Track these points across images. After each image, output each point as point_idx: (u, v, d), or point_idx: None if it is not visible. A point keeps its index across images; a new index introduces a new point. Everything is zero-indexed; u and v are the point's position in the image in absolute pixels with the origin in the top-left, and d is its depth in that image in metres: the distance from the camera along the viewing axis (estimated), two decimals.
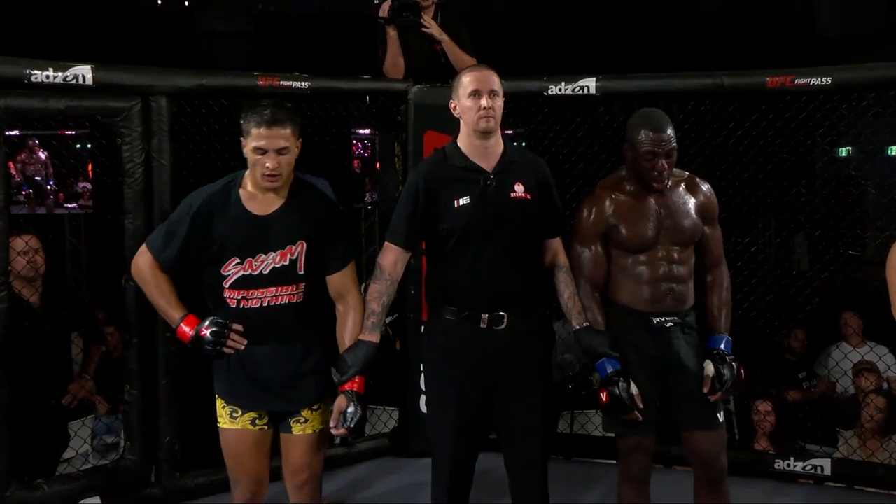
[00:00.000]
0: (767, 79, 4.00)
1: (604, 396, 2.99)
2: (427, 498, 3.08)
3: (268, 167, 2.73)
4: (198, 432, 3.77)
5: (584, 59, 6.60)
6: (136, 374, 3.76)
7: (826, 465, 4.13)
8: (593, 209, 3.10)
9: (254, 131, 2.73)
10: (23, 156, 8.18)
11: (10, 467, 3.51)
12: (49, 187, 8.07)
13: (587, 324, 3.03)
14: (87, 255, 7.17)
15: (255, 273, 2.80)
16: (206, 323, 2.80)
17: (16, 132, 6.20)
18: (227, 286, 2.81)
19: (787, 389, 5.73)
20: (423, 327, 3.31)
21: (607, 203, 3.08)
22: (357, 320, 2.91)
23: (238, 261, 2.80)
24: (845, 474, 4.16)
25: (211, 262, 2.84)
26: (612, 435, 4.92)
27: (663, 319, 3.05)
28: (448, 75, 4.41)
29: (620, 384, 2.96)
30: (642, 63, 5.32)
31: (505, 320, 2.90)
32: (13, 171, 8.11)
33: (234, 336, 2.80)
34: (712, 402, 3.07)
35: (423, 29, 4.41)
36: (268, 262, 2.80)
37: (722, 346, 3.10)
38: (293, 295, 2.83)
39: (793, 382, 5.78)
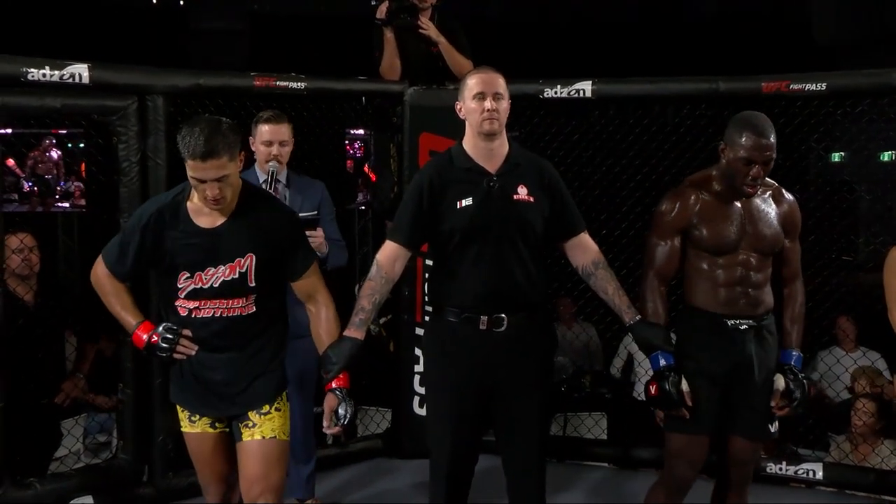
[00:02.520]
0: (763, 84, 4.04)
1: (653, 389, 2.96)
2: (420, 499, 3.08)
3: (208, 196, 2.64)
4: None
5: (581, 61, 6.60)
6: (129, 372, 3.76)
7: (818, 469, 4.16)
8: (677, 204, 3.02)
9: (188, 161, 2.59)
10: (35, 154, 8.20)
11: (3, 466, 3.51)
12: (59, 188, 8.09)
13: (639, 317, 2.98)
14: (80, 254, 7.15)
15: (206, 286, 2.74)
16: (159, 329, 2.78)
17: (9, 130, 6.20)
18: (182, 297, 2.76)
19: None
20: (425, 327, 3.28)
21: (692, 200, 3.01)
22: (331, 316, 2.86)
23: (188, 275, 2.74)
24: (837, 479, 4.18)
25: (163, 273, 2.80)
26: (605, 437, 4.92)
27: (738, 322, 2.97)
28: (444, 77, 4.42)
29: (671, 379, 2.92)
30: (639, 65, 5.32)
31: (505, 322, 2.89)
32: (17, 170, 8.16)
33: (184, 342, 2.77)
34: (772, 414, 3.03)
35: (421, 31, 4.41)
36: (217, 275, 2.73)
37: (793, 362, 3.06)
38: (244, 307, 2.77)
39: None
